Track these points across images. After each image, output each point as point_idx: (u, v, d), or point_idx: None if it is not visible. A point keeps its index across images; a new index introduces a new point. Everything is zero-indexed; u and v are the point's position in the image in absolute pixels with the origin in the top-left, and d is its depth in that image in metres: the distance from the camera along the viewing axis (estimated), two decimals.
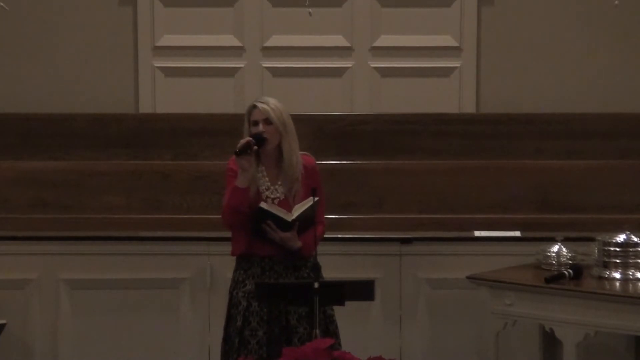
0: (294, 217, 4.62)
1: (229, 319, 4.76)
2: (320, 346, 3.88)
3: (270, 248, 4.68)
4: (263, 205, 4.62)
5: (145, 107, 6.91)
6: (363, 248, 5.75)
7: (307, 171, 4.75)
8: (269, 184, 4.71)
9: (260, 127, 4.66)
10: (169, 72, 6.95)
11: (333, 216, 6.06)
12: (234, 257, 4.81)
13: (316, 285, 4.30)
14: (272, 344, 4.62)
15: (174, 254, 5.75)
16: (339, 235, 5.79)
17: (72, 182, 6.35)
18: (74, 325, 5.78)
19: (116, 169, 6.42)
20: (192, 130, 6.65)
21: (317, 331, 4.29)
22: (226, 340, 4.76)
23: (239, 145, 4.59)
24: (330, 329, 4.72)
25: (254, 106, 4.71)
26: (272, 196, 4.71)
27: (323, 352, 3.82)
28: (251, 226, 4.65)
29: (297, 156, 4.72)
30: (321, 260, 4.39)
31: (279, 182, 4.72)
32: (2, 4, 5.75)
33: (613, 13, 6.53)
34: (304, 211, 4.64)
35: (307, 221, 4.65)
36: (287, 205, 4.68)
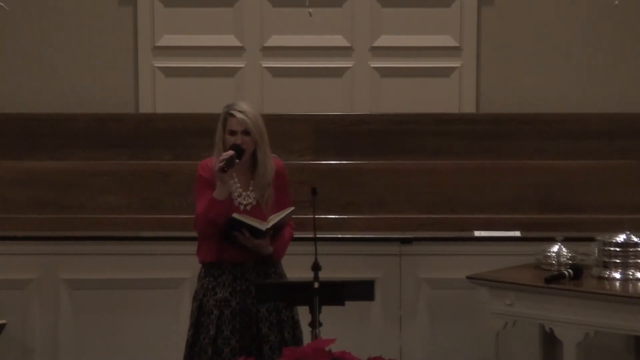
0: (268, 226, 4.60)
1: (199, 326, 4.70)
2: (320, 346, 3.88)
3: (241, 254, 4.65)
4: (236, 216, 4.57)
5: (145, 107, 6.92)
6: (363, 248, 5.75)
7: (276, 174, 4.72)
8: (240, 190, 4.68)
9: (239, 139, 4.61)
10: (169, 72, 6.95)
11: (333, 216, 6.07)
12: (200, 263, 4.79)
13: (316, 285, 4.30)
14: (244, 352, 4.60)
15: (174, 254, 5.75)
16: (339, 235, 5.80)
17: (72, 182, 6.35)
18: (74, 325, 5.78)
19: (116, 169, 6.42)
20: (192, 130, 6.64)
21: (317, 331, 4.29)
22: (192, 346, 4.71)
23: (222, 161, 4.52)
24: (296, 334, 4.75)
25: (232, 114, 4.63)
26: (245, 202, 4.67)
27: (323, 352, 3.82)
28: (222, 233, 4.62)
29: (271, 162, 4.69)
30: (321, 260, 4.38)
31: (251, 188, 4.69)
32: (2, 4, 5.75)
33: (613, 13, 6.53)
34: (279, 220, 4.64)
35: (279, 227, 4.68)
36: (259, 210, 4.66)
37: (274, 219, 4.63)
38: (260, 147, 4.65)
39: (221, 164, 4.52)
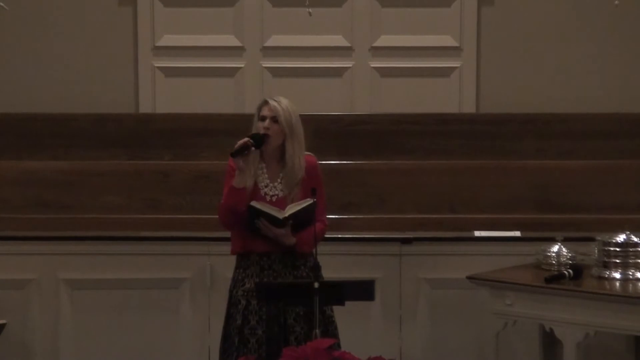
0: (285, 215, 4.61)
1: (229, 317, 4.76)
2: (320, 346, 3.89)
3: (267, 244, 4.67)
4: (254, 203, 4.61)
5: (145, 107, 6.92)
6: (363, 248, 5.75)
7: (307, 171, 4.73)
8: (268, 180, 4.71)
9: (267, 123, 4.65)
10: (169, 72, 6.95)
11: (333, 216, 6.05)
12: (234, 256, 4.81)
13: (316, 285, 4.30)
14: (271, 342, 4.62)
15: (174, 254, 5.75)
16: (339, 235, 5.79)
17: (72, 182, 6.35)
18: (74, 325, 5.77)
19: (116, 169, 6.43)
20: (192, 130, 6.65)
21: (317, 331, 4.28)
22: (225, 338, 4.76)
23: (236, 145, 4.59)
24: (329, 330, 4.71)
25: (266, 102, 4.72)
26: (271, 193, 4.70)
27: (323, 352, 3.82)
28: (246, 223, 4.65)
29: (300, 161, 4.69)
30: (321, 260, 4.38)
31: (279, 180, 4.71)
32: (2, 4, 5.75)
33: (613, 13, 6.53)
34: (298, 211, 4.63)
35: (303, 220, 4.66)
36: (284, 203, 4.67)
37: (292, 208, 4.63)
38: (290, 141, 4.68)
39: (236, 148, 4.55)
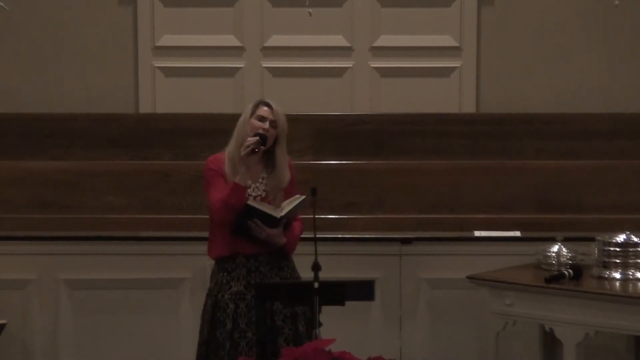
0: (282, 213, 4.62)
1: (215, 322, 4.72)
2: (320, 346, 3.89)
3: (254, 246, 4.67)
4: (250, 202, 4.62)
5: (145, 107, 6.92)
6: (363, 248, 5.75)
7: None
8: (250, 181, 4.71)
9: (267, 126, 4.66)
10: (169, 72, 6.95)
11: (333, 216, 6.07)
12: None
13: (316, 285, 4.30)
14: (260, 344, 4.61)
15: (174, 254, 5.75)
16: (339, 235, 5.79)
17: (72, 182, 6.35)
18: (74, 325, 5.78)
19: (116, 169, 6.42)
20: (192, 130, 6.65)
21: (317, 331, 4.28)
22: (209, 343, 4.71)
23: (250, 143, 4.58)
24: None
25: (267, 104, 4.72)
26: (254, 193, 4.71)
27: (323, 352, 3.82)
28: (235, 224, 4.64)
29: (287, 167, 4.74)
30: (321, 260, 4.38)
31: (261, 180, 4.72)
32: (2, 4, 5.75)
33: (613, 13, 6.53)
34: (293, 208, 4.65)
35: (292, 218, 4.69)
36: (267, 203, 4.69)
37: (287, 206, 4.65)
38: (280, 146, 4.71)
39: (252, 145, 4.56)
